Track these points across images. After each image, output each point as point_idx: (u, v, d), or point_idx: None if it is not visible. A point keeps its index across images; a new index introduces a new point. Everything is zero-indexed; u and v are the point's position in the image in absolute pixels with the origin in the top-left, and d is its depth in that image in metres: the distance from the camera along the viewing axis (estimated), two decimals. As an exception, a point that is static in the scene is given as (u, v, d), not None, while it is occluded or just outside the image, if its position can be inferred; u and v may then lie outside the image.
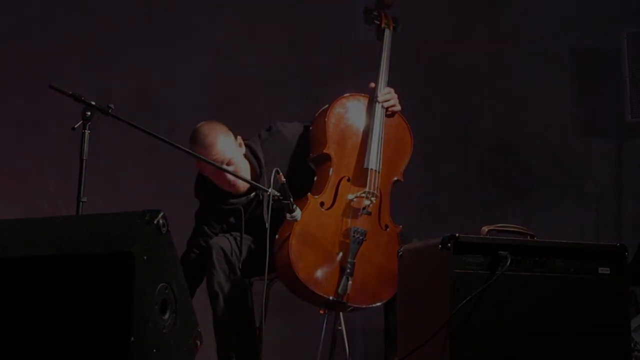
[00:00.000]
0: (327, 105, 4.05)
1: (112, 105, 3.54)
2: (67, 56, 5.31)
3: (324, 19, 5.67)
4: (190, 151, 3.87)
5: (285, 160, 4.08)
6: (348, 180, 3.96)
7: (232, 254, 3.91)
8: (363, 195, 3.92)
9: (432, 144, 5.59)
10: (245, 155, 4.10)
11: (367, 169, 3.95)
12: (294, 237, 3.80)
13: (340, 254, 3.83)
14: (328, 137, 3.99)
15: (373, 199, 3.92)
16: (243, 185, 4.02)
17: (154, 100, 5.39)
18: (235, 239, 3.98)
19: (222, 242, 3.93)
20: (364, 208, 3.91)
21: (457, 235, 2.98)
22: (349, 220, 3.89)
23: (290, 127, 4.17)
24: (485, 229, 3.19)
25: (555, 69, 5.71)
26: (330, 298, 3.77)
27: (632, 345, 3.37)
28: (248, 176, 4.03)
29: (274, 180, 3.74)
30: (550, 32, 5.69)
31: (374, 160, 3.96)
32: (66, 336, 2.68)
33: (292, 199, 3.80)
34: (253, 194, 4.10)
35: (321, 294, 3.77)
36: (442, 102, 5.70)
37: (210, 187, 4.08)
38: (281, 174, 3.73)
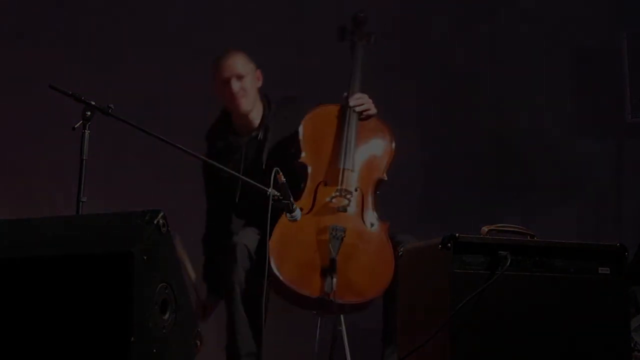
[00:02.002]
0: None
1: (112, 105, 3.54)
2: (67, 56, 5.31)
3: (324, 19, 5.66)
4: (189, 150, 3.87)
5: (284, 141, 4.22)
6: (325, 184, 4.05)
7: (254, 253, 3.93)
8: (337, 193, 3.99)
9: (432, 144, 5.59)
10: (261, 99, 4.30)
11: (339, 168, 4.05)
12: (273, 243, 3.83)
13: (322, 252, 3.86)
14: (303, 148, 4.11)
15: (349, 196, 3.98)
16: (245, 105, 4.20)
17: (153, 100, 5.39)
18: (256, 233, 4.01)
19: (247, 239, 3.94)
20: (341, 206, 3.97)
21: (457, 235, 2.98)
22: (328, 219, 3.95)
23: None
24: (485, 229, 3.19)
25: (555, 69, 5.70)
26: (317, 297, 3.79)
27: (632, 345, 3.36)
28: (259, 112, 4.26)
29: (273, 180, 3.75)
30: (550, 32, 5.69)
31: (346, 160, 4.06)
32: (66, 336, 2.68)
33: (292, 199, 3.81)
34: (257, 134, 4.22)
35: (307, 294, 3.80)
36: (442, 102, 5.70)
37: (218, 131, 4.32)
38: (281, 174, 3.74)
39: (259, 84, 4.29)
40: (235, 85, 4.20)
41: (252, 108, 4.26)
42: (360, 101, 4.16)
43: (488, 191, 5.60)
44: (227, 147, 4.29)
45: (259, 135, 4.26)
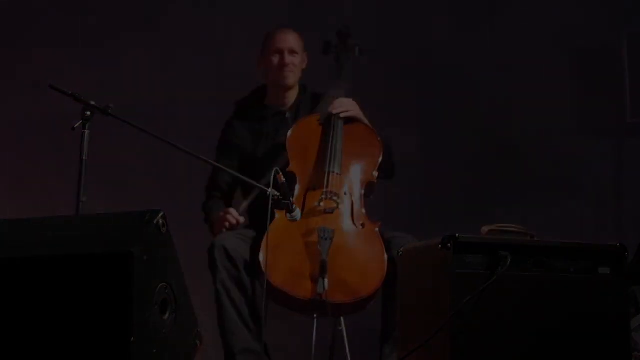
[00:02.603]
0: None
1: (112, 105, 3.54)
2: (67, 56, 5.31)
3: (326, 18, 5.67)
4: (190, 151, 3.86)
5: None
6: (313, 189, 4.08)
7: (235, 253, 3.93)
8: (324, 196, 4.03)
9: (432, 144, 5.59)
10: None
11: (325, 172, 4.09)
12: (263, 249, 3.85)
13: (312, 254, 3.86)
14: (290, 158, 4.15)
15: (336, 198, 4.01)
16: (291, 79, 4.33)
17: (153, 100, 5.39)
18: (241, 235, 4.01)
19: (225, 241, 3.95)
20: (328, 208, 4.00)
21: (457, 235, 2.98)
22: (316, 221, 3.97)
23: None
24: (485, 229, 3.19)
25: (555, 69, 5.70)
26: (310, 298, 3.79)
27: (632, 345, 3.36)
28: (295, 94, 4.38)
29: (273, 180, 3.76)
30: (550, 32, 5.69)
31: (332, 163, 4.10)
32: (66, 336, 2.68)
33: (292, 199, 3.83)
34: (285, 111, 4.32)
35: (300, 296, 3.80)
36: (442, 102, 5.70)
37: (250, 100, 4.42)
38: (281, 174, 3.75)
39: (304, 65, 4.40)
40: (288, 58, 4.32)
41: (294, 86, 4.37)
42: (339, 105, 4.22)
43: (488, 191, 5.60)
44: (254, 115, 4.36)
45: (287, 114, 4.34)
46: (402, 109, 5.54)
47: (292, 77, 4.34)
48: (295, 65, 4.33)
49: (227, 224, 4.09)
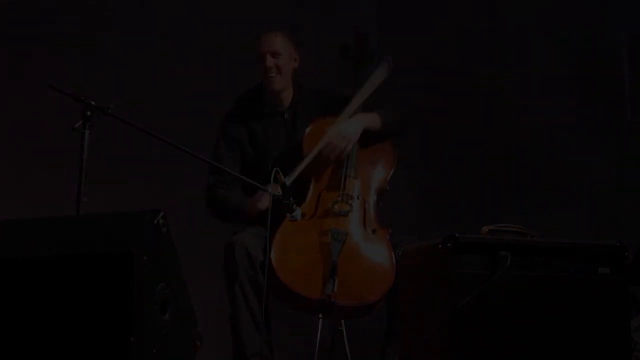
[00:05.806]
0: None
1: (112, 105, 3.54)
2: (67, 56, 5.31)
3: (329, 18, 5.67)
4: (190, 151, 3.87)
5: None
6: (327, 191, 4.05)
7: (254, 251, 3.91)
8: (339, 198, 4.00)
9: (432, 145, 5.59)
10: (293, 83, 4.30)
11: (341, 175, 4.05)
12: (274, 246, 3.83)
13: (323, 255, 3.85)
14: (306, 156, 4.07)
15: (350, 201, 3.99)
16: (276, 84, 4.19)
17: (153, 100, 5.39)
18: (256, 235, 3.99)
19: (246, 241, 3.93)
20: (342, 211, 3.98)
21: (457, 235, 2.98)
22: (329, 223, 3.94)
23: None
24: (485, 229, 3.19)
25: (555, 69, 5.70)
26: (318, 299, 3.78)
27: (632, 345, 3.36)
28: (290, 94, 4.27)
29: (273, 180, 3.75)
30: (550, 32, 5.69)
31: (348, 167, 4.07)
32: (66, 336, 2.69)
33: (292, 199, 3.82)
34: (283, 112, 4.24)
35: (308, 296, 3.79)
36: (442, 103, 5.70)
37: (249, 97, 4.31)
38: (281, 174, 3.75)
39: (296, 64, 4.26)
40: (269, 61, 4.18)
41: (283, 88, 4.25)
42: (336, 151, 4.09)
43: (488, 191, 5.61)
44: (251, 114, 4.27)
45: (285, 115, 4.26)
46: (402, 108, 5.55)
47: (278, 81, 4.20)
48: (279, 67, 4.18)
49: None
